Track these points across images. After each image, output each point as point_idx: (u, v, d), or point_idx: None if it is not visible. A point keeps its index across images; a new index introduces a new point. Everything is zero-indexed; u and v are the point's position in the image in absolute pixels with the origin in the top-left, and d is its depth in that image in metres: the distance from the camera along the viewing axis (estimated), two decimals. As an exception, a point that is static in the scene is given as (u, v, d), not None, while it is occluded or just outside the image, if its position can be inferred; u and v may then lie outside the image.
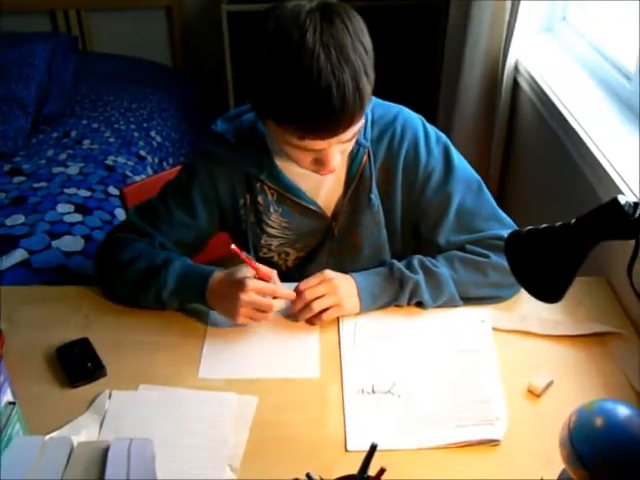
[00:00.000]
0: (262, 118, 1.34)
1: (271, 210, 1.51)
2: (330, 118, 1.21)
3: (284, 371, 1.34)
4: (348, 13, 1.23)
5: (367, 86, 1.23)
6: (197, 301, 1.43)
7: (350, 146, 1.38)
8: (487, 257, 1.46)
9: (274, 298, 1.39)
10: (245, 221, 1.53)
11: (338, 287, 1.41)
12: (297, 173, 1.47)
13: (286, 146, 1.32)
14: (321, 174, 1.38)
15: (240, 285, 1.35)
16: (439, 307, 1.46)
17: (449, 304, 1.46)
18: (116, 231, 1.56)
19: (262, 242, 1.56)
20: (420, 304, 1.46)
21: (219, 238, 1.63)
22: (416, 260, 1.46)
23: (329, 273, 1.43)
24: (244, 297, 1.34)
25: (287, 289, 1.41)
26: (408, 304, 1.46)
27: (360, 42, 1.22)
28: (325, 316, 1.42)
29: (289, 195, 1.49)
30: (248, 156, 1.47)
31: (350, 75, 1.18)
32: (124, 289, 1.49)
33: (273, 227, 1.53)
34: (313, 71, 1.16)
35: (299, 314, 1.43)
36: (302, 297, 1.41)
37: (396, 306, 1.47)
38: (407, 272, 1.43)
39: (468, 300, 1.47)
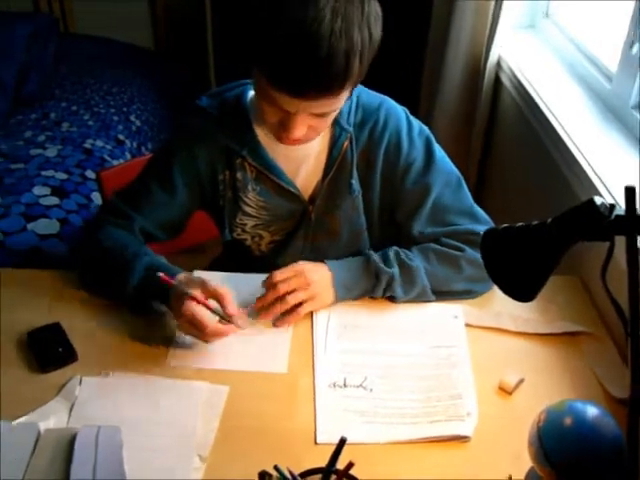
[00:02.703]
0: (251, 62, 1.28)
1: (249, 188, 1.50)
2: (309, 76, 1.18)
3: (253, 365, 1.33)
4: None
5: (356, 69, 1.21)
6: (158, 298, 1.39)
7: (322, 126, 1.35)
8: (462, 250, 1.47)
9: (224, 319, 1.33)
10: (223, 197, 1.52)
11: (312, 280, 1.40)
12: (278, 152, 1.46)
13: (261, 97, 1.29)
14: (282, 141, 1.36)
15: (180, 301, 1.30)
16: (412, 302, 1.47)
17: (421, 298, 1.47)
18: (98, 215, 1.56)
19: (237, 221, 1.55)
20: (391, 297, 1.47)
21: (199, 224, 1.63)
22: (392, 252, 1.46)
23: (303, 265, 1.43)
24: (185, 311, 1.29)
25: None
26: (382, 296, 1.47)
27: (368, 26, 1.20)
28: (301, 310, 1.40)
29: (268, 174, 1.48)
30: (230, 131, 1.46)
31: (345, 49, 1.16)
32: (95, 276, 1.48)
33: (250, 206, 1.52)
34: (313, 28, 1.14)
35: (271, 307, 1.40)
36: (275, 290, 1.39)
37: (371, 298, 1.47)
38: (382, 266, 1.43)
39: (443, 294, 1.48)
